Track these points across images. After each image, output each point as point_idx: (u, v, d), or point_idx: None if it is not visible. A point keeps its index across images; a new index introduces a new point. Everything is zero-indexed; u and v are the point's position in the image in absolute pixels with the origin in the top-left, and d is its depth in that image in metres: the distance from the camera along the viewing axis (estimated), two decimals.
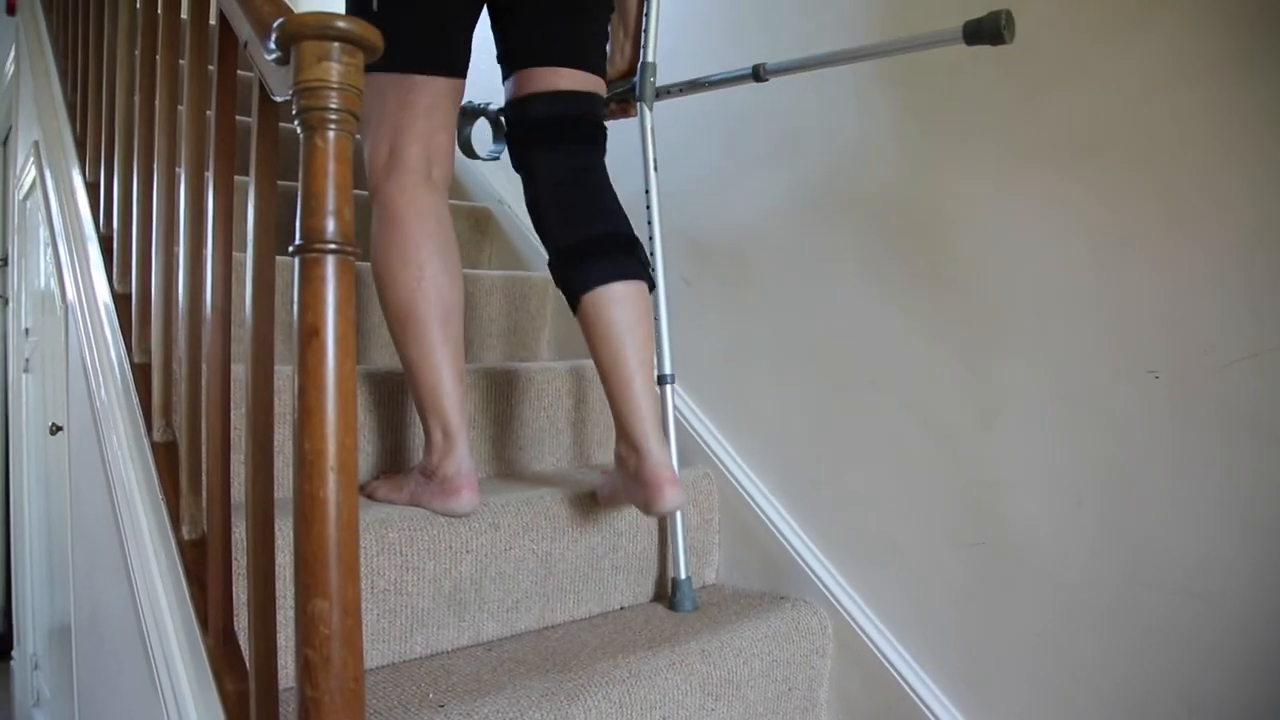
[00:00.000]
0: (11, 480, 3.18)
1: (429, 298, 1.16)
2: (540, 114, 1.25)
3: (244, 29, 0.80)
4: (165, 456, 1.14)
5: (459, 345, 1.20)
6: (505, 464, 1.53)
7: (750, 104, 1.52)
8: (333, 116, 0.65)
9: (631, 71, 1.42)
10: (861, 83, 1.36)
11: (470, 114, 1.45)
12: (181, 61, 1.14)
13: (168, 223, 1.15)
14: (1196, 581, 1.03)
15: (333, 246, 0.64)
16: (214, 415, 0.93)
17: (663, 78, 1.42)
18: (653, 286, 1.31)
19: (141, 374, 1.25)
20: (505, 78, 1.30)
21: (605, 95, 1.34)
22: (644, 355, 1.19)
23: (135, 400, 1.24)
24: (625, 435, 1.19)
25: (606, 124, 1.31)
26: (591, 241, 1.22)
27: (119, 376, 1.31)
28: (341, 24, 0.64)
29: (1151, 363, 1.07)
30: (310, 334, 0.63)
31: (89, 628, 1.52)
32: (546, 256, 1.27)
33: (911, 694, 1.26)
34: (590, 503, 1.32)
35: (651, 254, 1.38)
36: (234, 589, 0.95)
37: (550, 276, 1.29)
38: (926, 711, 1.24)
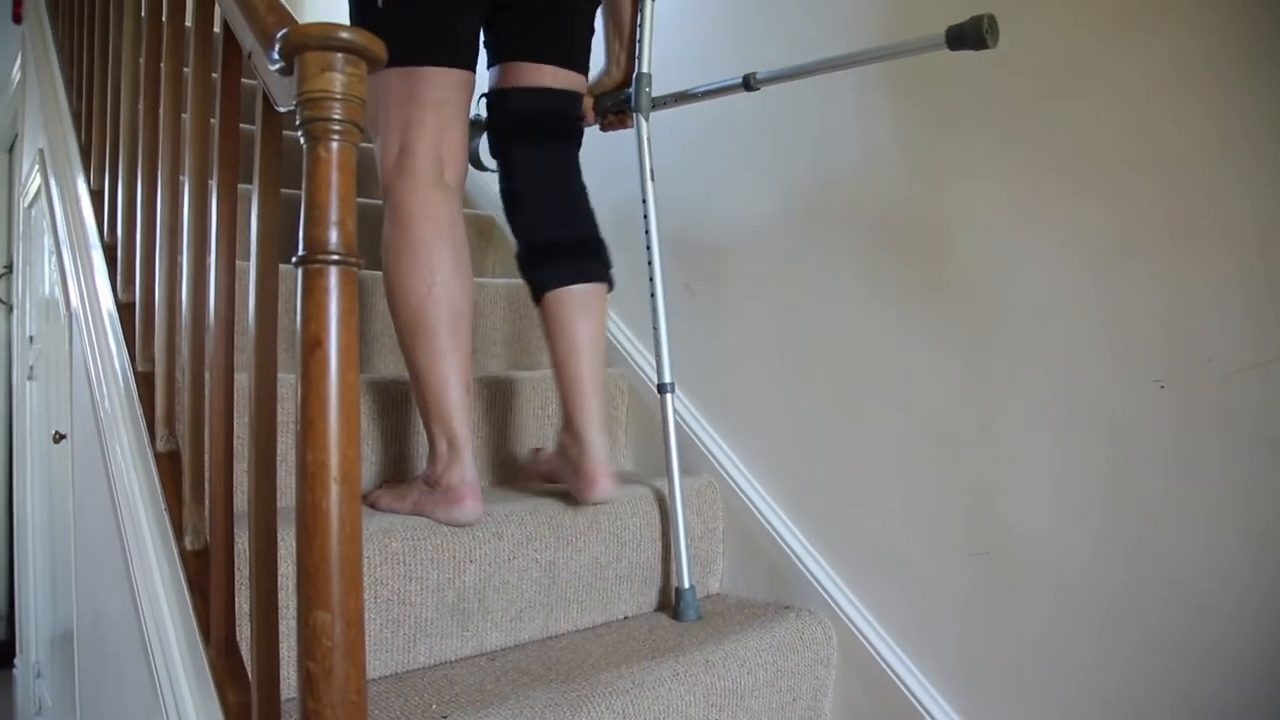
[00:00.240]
0: (15, 487, 3.19)
1: (439, 303, 1.16)
2: (527, 108, 1.29)
3: (248, 39, 0.80)
4: (168, 466, 1.14)
5: (467, 353, 1.20)
6: (508, 473, 1.52)
7: (751, 111, 1.52)
8: (336, 127, 0.65)
9: (627, 82, 1.42)
10: (863, 88, 1.36)
11: (477, 126, 1.45)
12: (186, 70, 1.14)
13: (171, 231, 1.16)
14: (1197, 588, 1.03)
15: (336, 258, 0.64)
16: (217, 424, 0.93)
17: (660, 86, 1.42)
18: (612, 286, 1.36)
19: (145, 382, 1.25)
20: (490, 65, 1.32)
21: (583, 94, 1.37)
22: (596, 354, 1.30)
23: (139, 409, 1.24)
24: (570, 426, 1.29)
25: (606, 134, 1.33)
26: (564, 244, 1.30)
27: (122, 385, 1.31)
28: (345, 35, 0.64)
29: (1154, 370, 1.06)
30: (313, 345, 0.63)
31: (91, 636, 1.52)
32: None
33: (915, 703, 1.25)
34: (595, 513, 1.32)
35: (649, 262, 1.38)
36: (236, 599, 0.94)
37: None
38: None
